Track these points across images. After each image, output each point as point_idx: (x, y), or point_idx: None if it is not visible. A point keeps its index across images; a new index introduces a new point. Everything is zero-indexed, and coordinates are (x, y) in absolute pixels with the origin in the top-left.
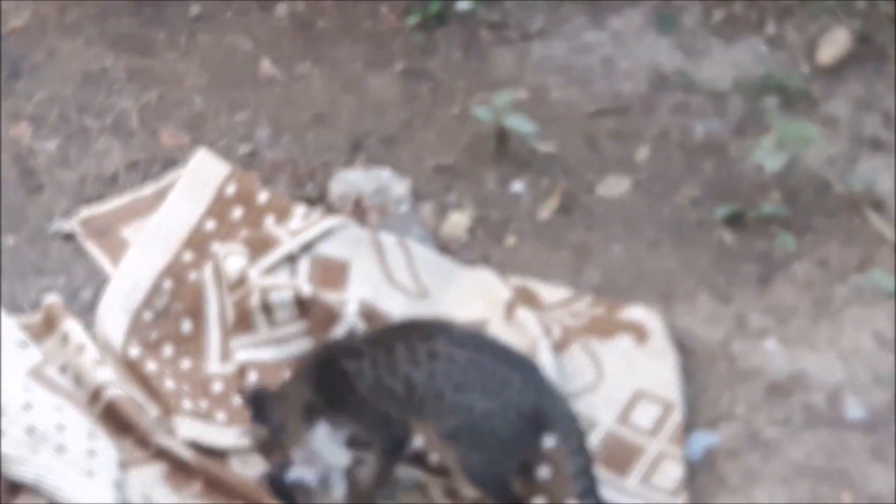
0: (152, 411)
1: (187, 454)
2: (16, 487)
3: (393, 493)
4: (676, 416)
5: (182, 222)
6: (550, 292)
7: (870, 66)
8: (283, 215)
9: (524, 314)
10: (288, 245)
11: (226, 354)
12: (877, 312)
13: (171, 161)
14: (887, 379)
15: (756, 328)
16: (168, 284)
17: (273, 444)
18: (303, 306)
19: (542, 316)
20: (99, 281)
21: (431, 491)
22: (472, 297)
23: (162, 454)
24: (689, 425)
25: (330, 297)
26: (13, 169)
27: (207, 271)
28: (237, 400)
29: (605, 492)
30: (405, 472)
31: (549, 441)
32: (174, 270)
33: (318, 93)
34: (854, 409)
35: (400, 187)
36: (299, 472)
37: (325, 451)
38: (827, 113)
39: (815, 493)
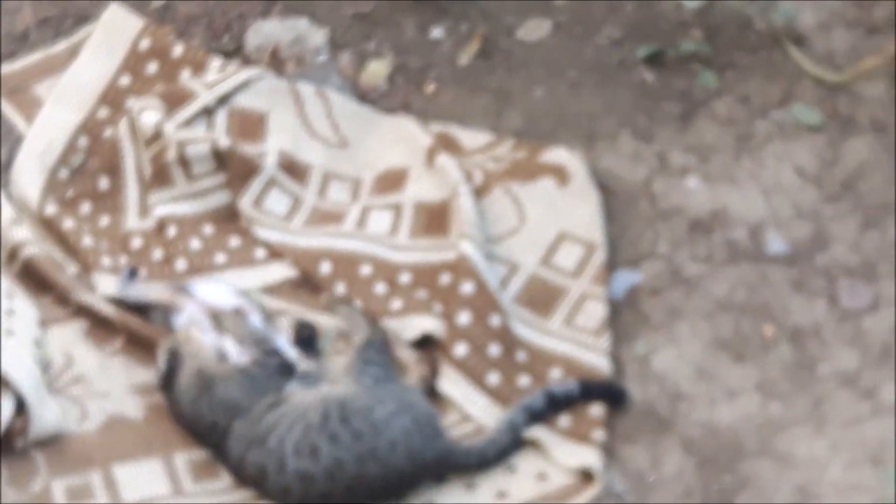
0: (71, 269)
1: (108, 310)
2: None
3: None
4: (599, 257)
5: (96, 78)
6: (471, 138)
7: None
8: (198, 68)
9: (445, 160)
10: (204, 98)
11: (144, 210)
12: (798, 147)
13: (84, 17)
14: (809, 212)
15: (678, 166)
16: (84, 141)
17: None
18: (220, 159)
19: (463, 162)
20: (13, 140)
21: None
22: (392, 146)
23: (82, 311)
24: (612, 265)
25: (248, 149)
26: None
27: (123, 127)
28: (157, 254)
29: (529, 333)
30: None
31: None
32: (89, 127)
33: None
34: (775, 244)
35: (317, 37)
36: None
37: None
38: None
39: (737, 326)
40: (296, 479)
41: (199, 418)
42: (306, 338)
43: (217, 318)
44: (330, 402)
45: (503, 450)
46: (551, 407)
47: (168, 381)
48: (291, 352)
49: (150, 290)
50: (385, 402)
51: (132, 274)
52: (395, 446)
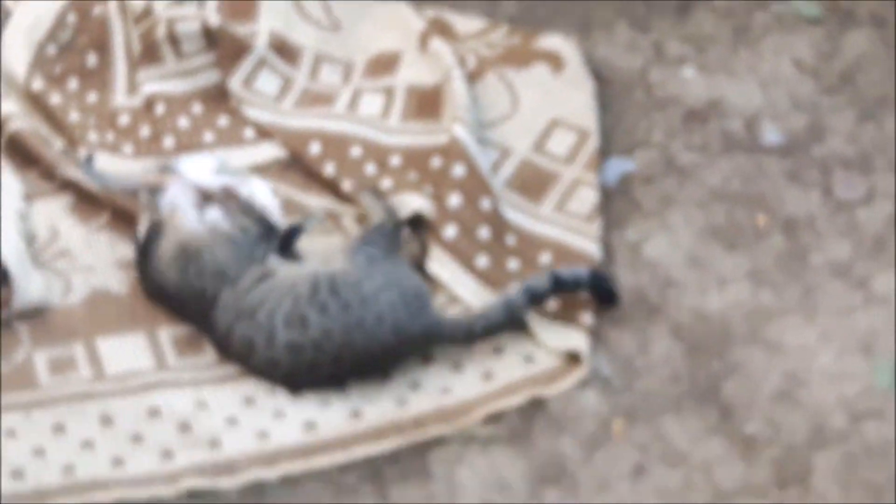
0: (57, 144)
1: (94, 185)
2: None
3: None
4: (592, 144)
5: None
6: (465, 23)
7: None
8: None
9: (438, 45)
10: None
11: (132, 87)
12: (797, 39)
13: None
14: (806, 104)
15: (674, 56)
16: (72, 18)
17: None
18: (211, 38)
19: (456, 47)
20: (0, 15)
21: (343, 220)
22: (385, 30)
23: (68, 186)
24: (605, 152)
25: (239, 28)
26: None
27: (112, 3)
28: (144, 132)
29: (520, 218)
30: (318, 201)
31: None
32: (78, 3)
33: None
34: (771, 134)
35: None
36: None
37: None
38: None
39: (730, 216)
40: (285, 351)
41: (185, 288)
42: (288, 237)
43: (204, 194)
44: (320, 276)
45: (492, 326)
46: (556, 290)
47: (145, 252)
48: (274, 211)
49: (133, 174)
50: (374, 276)
51: (89, 160)
52: (381, 319)
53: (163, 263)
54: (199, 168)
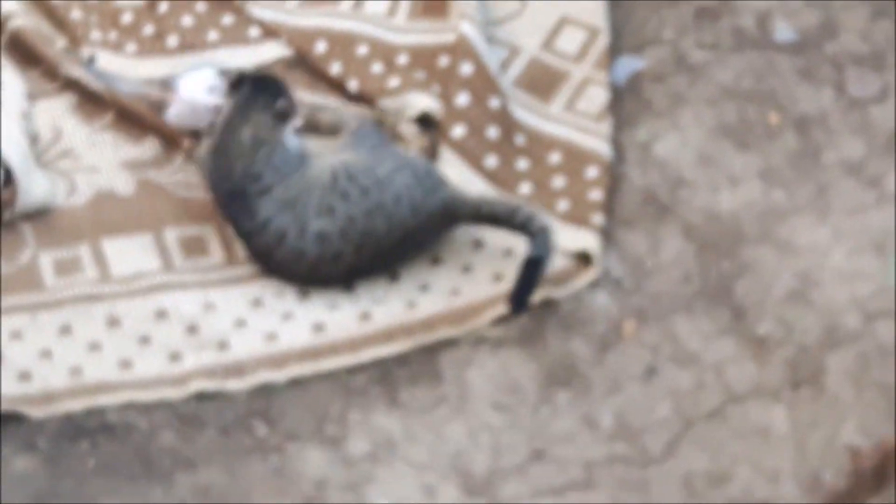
0: (59, 42)
1: (98, 85)
2: None
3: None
4: (602, 41)
5: None
6: None
7: None
8: None
9: None
10: None
11: None
12: None
13: None
14: (818, 0)
15: None
16: None
17: None
18: None
19: None
20: None
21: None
22: None
23: (71, 85)
24: (615, 50)
25: None
26: None
27: None
28: (147, 30)
29: (529, 117)
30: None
31: None
32: None
33: None
34: (783, 32)
35: None
36: None
37: None
38: None
39: (742, 113)
40: (314, 241)
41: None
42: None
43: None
44: (336, 166)
45: (496, 213)
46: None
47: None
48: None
49: (138, 86)
50: (384, 161)
51: (91, 61)
52: (399, 200)
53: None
54: (196, 86)
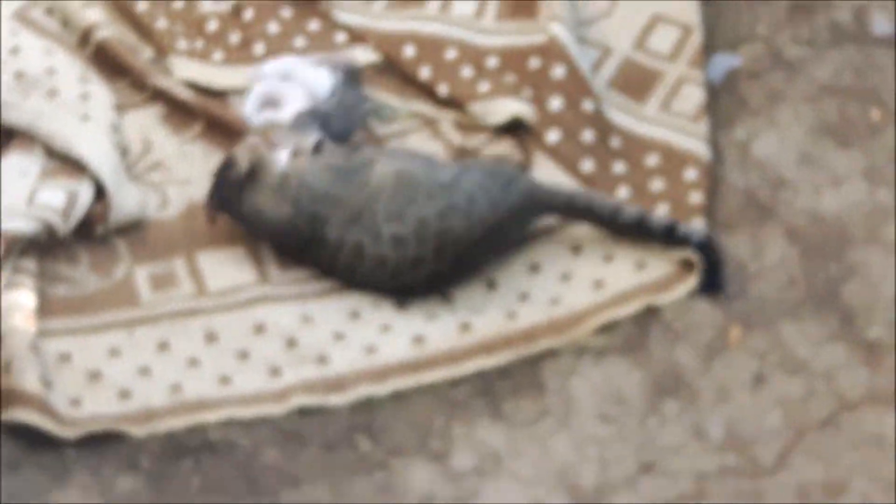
0: (146, 52)
1: (186, 95)
2: (10, 134)
3: (401, 133)
4: (696, 39)
5: None
6: None
7: None
8: None
9: None
10: None
11: None
12: None
13: None
14: None
15: None
16: None
17: None
18: None
19: None
20: None
21: (442, 126)
22: None
23: (159, 95)
24: (710, 48)
25: None
26: None
27: None
28: (233, 38)
29: (624, 119)
30: (415, 105)
31: None
32: None
33: None
34: (882, 25)
35: None
36: None
37: None
38: None
39: (843, 111)
40: (391, 245)
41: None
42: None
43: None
44: (398, 171)
45: (593, 209)
46: (664, 236)
47: (244, 186)
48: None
49: None
50: (440, 171)
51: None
52: (473, 198)
53: (265, 194)
54: (272, 73)
